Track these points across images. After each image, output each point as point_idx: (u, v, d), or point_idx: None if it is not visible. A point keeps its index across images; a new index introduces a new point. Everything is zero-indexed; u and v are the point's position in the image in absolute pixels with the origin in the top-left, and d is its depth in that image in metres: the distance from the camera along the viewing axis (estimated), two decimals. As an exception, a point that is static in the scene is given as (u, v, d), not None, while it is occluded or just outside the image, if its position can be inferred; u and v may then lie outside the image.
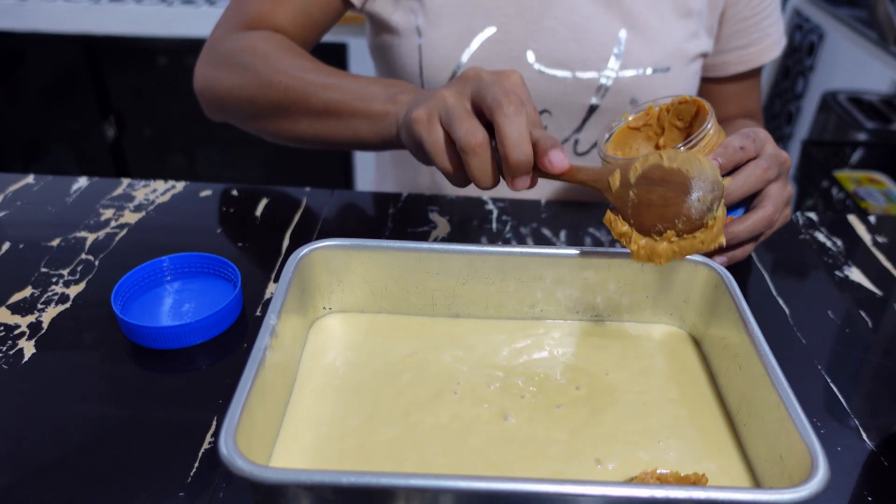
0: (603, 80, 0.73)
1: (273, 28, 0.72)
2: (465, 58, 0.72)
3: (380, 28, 0.78)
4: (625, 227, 0.47)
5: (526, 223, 0.70)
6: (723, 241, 0.45)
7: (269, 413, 0.41)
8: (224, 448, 0.33)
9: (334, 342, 0.50)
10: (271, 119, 0.67)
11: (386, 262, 0.50)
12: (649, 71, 0.73)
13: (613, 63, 0.73)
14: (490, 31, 0.72)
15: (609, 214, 0.48)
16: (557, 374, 0.48)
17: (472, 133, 0.47)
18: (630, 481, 0.40)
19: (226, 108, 0.71)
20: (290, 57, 0.66)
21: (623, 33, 0.73)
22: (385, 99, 0.60)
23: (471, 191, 0.82)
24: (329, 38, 0.81)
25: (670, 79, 0.74)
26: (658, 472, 0.39)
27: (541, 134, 0.47)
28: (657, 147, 0.61)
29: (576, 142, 0.78)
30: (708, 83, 0.83)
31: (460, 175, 0.50)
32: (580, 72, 0.73)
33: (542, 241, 0.68)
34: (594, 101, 0.75)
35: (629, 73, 0.73)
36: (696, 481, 0.38)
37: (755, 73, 0.83)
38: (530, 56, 0.73)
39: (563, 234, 0.69)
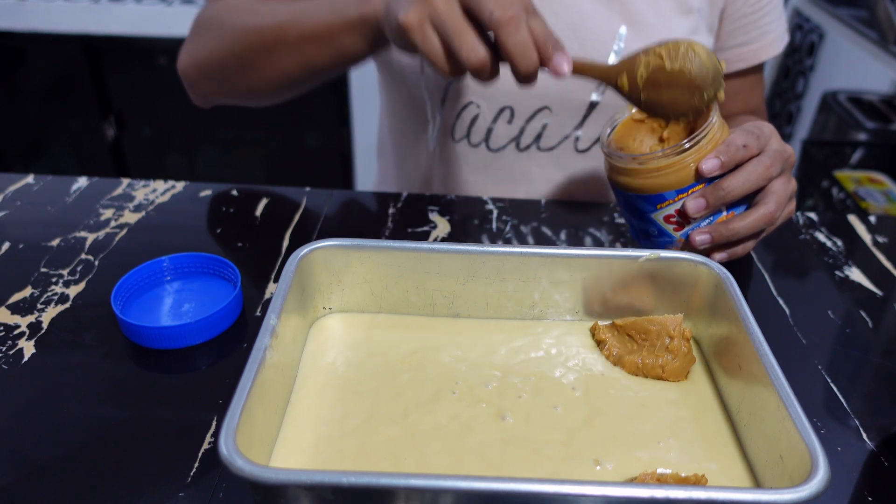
0: None
1: None
2: None
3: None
4: (604, 336, 0.50)
5: (526, 223, 0.70)
6: (683, 377, 0.48)
7: (269, 413, 0.41)
8: (224, 448, 0.33)
9: (334, 342, 0.50)
10: (255, 67, 0.67)
11: (386, 262, 0.50)
12: None
13: (613, 60, 0.73)
14: None
15: (595, 324, 0.51)
16: (556, 373, 0.48)
17: (474, 52, 0.48)
18: (629, 482, 0.40)
19: (210, 75, 0.71)
20: (260, 3, 0.67)
21: (623, 30, 0.72)
22: (356, 2, 0.59)
23: (471, 191, 0.82)
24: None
25: None
26: (658, 472, 0.39)
27: (542, 32, 0.49)
28: (661, 140, 0.61)
29: (577, 139, 0.78)
30: None
31: (461, 76, 0.52)
32: None
33: (542, 240, 0.68)
34: (594, 97, 0.75)
35: None
36: (696, 482, 0.38)
37: (758, 70, 0.83)
38: None
39: (563, 234, 0.69)
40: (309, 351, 0.49)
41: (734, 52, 0.80)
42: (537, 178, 0.80)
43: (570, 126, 0.77)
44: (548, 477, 0.41)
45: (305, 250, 0.49)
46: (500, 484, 0.33)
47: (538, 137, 0.77)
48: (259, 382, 0.38)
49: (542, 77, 0.74)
